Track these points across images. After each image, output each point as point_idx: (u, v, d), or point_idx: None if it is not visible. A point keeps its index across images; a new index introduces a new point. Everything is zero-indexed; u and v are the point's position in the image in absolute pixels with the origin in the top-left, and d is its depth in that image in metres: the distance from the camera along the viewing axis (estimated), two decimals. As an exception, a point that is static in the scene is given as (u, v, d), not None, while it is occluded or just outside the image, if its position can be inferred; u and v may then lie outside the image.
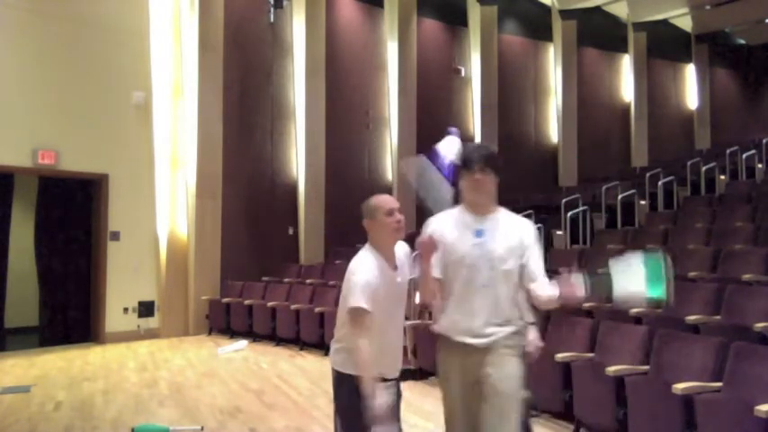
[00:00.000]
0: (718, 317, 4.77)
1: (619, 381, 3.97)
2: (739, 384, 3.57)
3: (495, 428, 2.46)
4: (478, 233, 2.55)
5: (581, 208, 9.15)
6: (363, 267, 2.59)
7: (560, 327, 4.98)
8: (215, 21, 9.53)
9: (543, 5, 13.77)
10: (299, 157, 10.50)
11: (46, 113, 8.16)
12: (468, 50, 12.86)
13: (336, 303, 2.92)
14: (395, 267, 2.66)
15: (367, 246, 2.68)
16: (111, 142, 8.67)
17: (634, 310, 5.09)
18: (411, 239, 2.73)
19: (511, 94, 13.18)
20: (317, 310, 7.58)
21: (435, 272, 2.55)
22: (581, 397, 4.29)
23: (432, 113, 11.94)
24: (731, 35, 15.69)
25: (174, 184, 9.28)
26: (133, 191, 8.82)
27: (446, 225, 2.62)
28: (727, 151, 10.50)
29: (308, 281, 8.85)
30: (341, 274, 2.97)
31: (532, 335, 2.75)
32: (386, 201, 2.67)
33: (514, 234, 2.57)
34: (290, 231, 10.37)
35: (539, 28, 13.70)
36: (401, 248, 2.73)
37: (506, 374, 2.50)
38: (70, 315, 8.67)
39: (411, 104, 11.66)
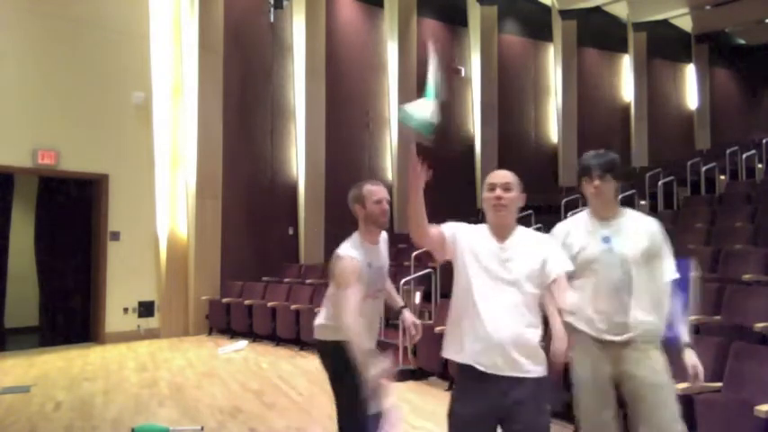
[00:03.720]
0: (718, 317, 4.77)
1: (619, 381, 3.96)
2: (739, 384, 3.57)
3: (663, 420, 2.51)
4: (605, 239, 2.59)
5: (581, 208, 9.13)
6: None
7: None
8: (215, 21, 9.54)
9: (543, 5, 13.78)
10: (298, 157, 10.50)
11: (46, 113, 8.16)
12: (469, 50, 12.86)
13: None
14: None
15: None
16: (111, 142, 8.67)
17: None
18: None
19: (511, 94, 13.18)
20: (317, 310, 7.54)
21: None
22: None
23: (432, 113, 11.93)
24: (731, 35, 15.69)
25: (174, 184, 9.29)
26: (133, 191, 8.83)
27: (575, 230, 2.68)
28: (727, 151, 10.50)
29: (307, 281, 8.85)
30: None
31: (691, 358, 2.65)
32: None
33: (643, 235, 2.59)
34: (290, 231, 10.38)
35: (539, 28, 13.70)
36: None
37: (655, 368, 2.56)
38: (70, 315, 8.68)
39: (411, 105, 11.64)
